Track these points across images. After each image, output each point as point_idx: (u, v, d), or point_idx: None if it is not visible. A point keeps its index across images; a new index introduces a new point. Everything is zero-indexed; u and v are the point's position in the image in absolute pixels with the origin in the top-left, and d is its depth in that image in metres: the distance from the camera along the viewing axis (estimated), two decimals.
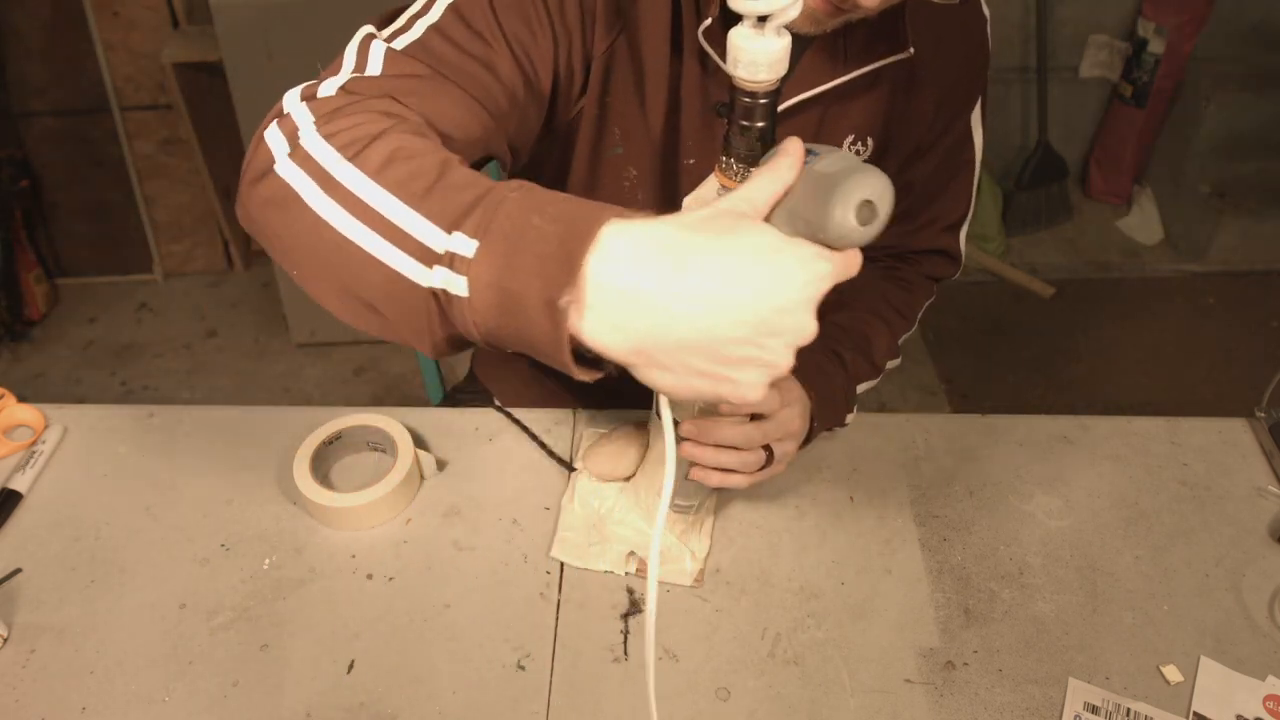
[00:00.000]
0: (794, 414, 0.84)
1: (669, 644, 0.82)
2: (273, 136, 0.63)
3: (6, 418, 0.99)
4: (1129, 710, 0.78)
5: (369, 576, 0.86)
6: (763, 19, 0.59)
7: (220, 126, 2.44)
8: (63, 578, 0.86)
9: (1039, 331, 2.45)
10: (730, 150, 0.65)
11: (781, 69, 0.61)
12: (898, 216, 0.96)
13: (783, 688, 0.79)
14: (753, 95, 0.62)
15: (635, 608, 0.84)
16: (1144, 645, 0.83)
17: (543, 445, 0.97)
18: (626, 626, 0.83)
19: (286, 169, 0.59)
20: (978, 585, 0.87)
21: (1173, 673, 0.80)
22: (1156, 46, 2.53)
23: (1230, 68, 2.61)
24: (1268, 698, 0.79)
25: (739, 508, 0.92)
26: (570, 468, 0.95)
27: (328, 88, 0.66)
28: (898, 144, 0.94)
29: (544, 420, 1.00)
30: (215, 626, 0.82)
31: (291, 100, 0.66)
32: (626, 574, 0.87)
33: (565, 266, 0.48)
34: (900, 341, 1.03)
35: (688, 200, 0.68)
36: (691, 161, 0.85)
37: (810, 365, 0.89)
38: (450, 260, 0.51)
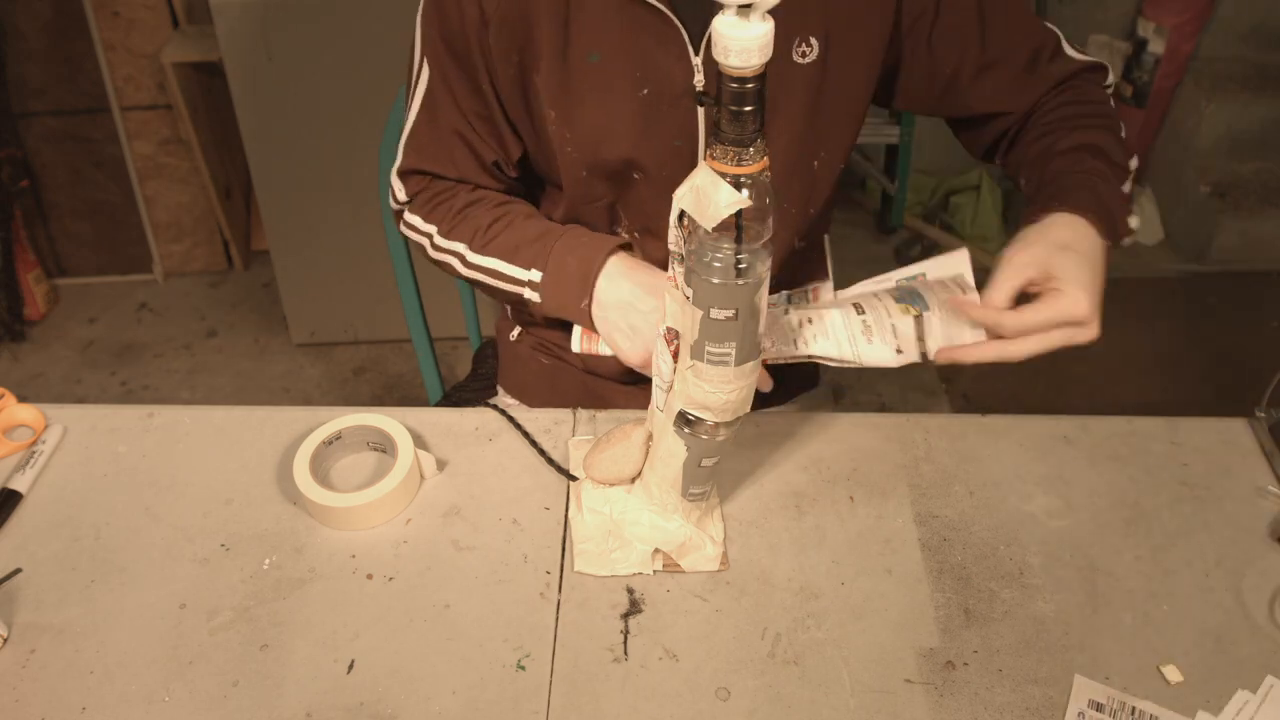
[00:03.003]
0: (1077, 297, 0.83)
1: (669, 644, 0.82)
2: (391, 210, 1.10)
3: (6, 418, 0.99)
4: (1134, 709, 0.78)
5: (369, 576, 0.86)
6: (745, 6, 0.59)
7: (220, 126, 2.45)
8: (63, 578, 0.86)
9: None
10: (721, 137, 0.65)
11: (770, 51, 0.61)
12: (984, 71, 1.02)
13: (783, 688, 0.79)
14: (742, 81, 0.62)
15: (635, 607, 0.84)
16: (1144, 645, 0.83)
17: (536, 445, 0.97)
18: (626, 626, 0.83)
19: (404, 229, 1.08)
20: (978, 585, 0.87)
21: (1173, 673, 0.80)
22: (1156, 46, 2.53)
23: (1230, 68, 2.61)
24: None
25: (739, 507, 0.92)
26: (568, 475, 0.94)
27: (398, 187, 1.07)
28: (868, 35, 0.93)
29: (543, 420, 1.00)
30: (215, 626, 0.82)
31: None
32: (655, 571, 0.87)
33: (583, 288, 0.94)
34: (1127, 147, 0.97)
35: (679, 192, 0.68)
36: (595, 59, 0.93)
37: (1070, 190, 0.90)
38: (530, 285, 0.97)
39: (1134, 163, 0.98)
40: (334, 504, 0.88)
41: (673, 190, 0.79)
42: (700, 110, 0.93)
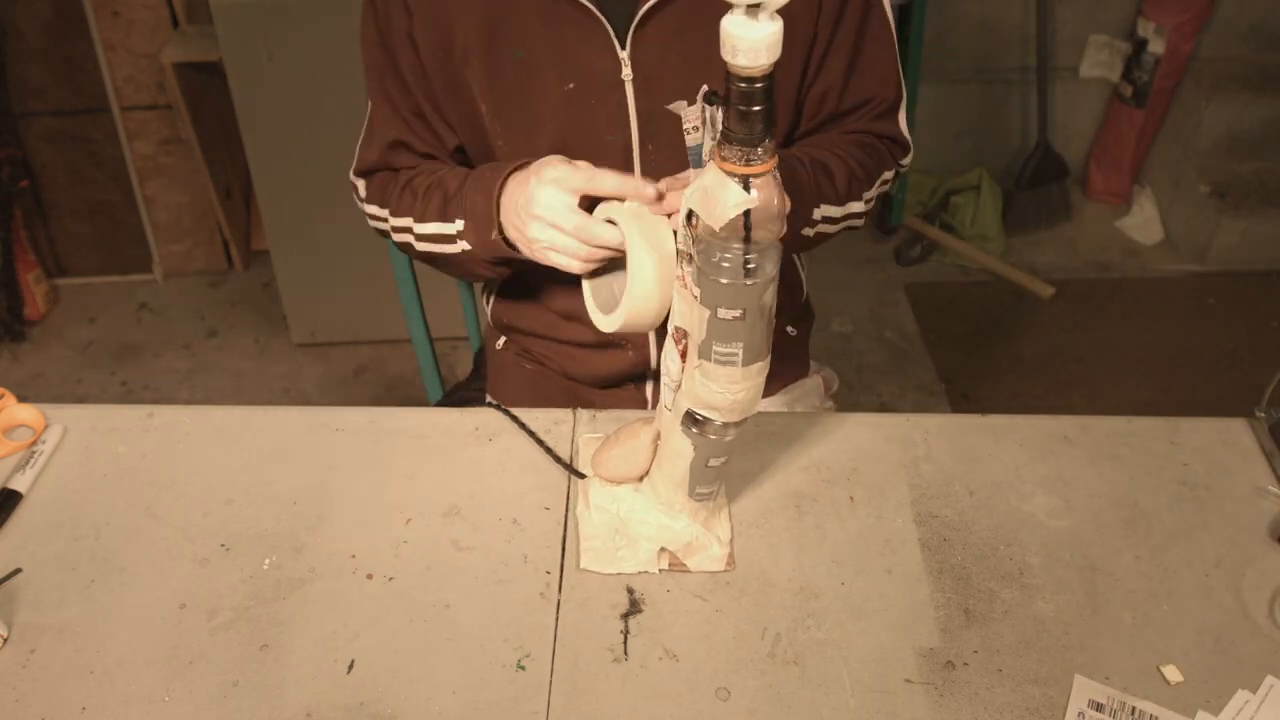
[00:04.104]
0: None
1: (669, 644, 0.82)
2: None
3: (6, 418, 0.99)
4: (1134, 709, 0.78)
5: (369, 576, 0.86)
6: (754, 6, 0.59)
7: (220, 126, 2.44)
8: (63, 578, 0.86)
9: (1039, 331, 2.45)
10: (730, 137, 0.65)
11: (779, 50, 0.61)
12: (826, 119, 1.04)
13: (783, 688, 0.79)
14: (751, 80, 0.62)
15: (635, 607, 0.84)
16: (1144, 645, 0.83)
17: (543, 445, 0.97)
18: (626, 626, 0.83)
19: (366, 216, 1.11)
20: (978, 585, 0.87)
21: (1173, 673, 0.80)
22: (1156, 46, 2.53)
23: (1230, 68, 2.61)
24: None
25: (740, 507, 0.92)
26: (576, 473, 0.94)
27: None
28: (789, 45, 0.95)
29: (544, 420, 1.00)
30: (215, 626, 0.82)
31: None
32: (661, 571, 0.87)
33: (489, 220, 0.92)
34: (865, 198, 1.02)
35: (687, 191, 0.69)
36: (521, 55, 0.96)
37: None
38: (459, 235, 0.97)
39: (855, 206, 1.01)
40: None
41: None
42: (631, 103, 0.95)
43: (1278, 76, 2.58)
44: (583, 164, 0.88)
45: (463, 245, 0.96)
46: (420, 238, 1.00)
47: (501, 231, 0.92)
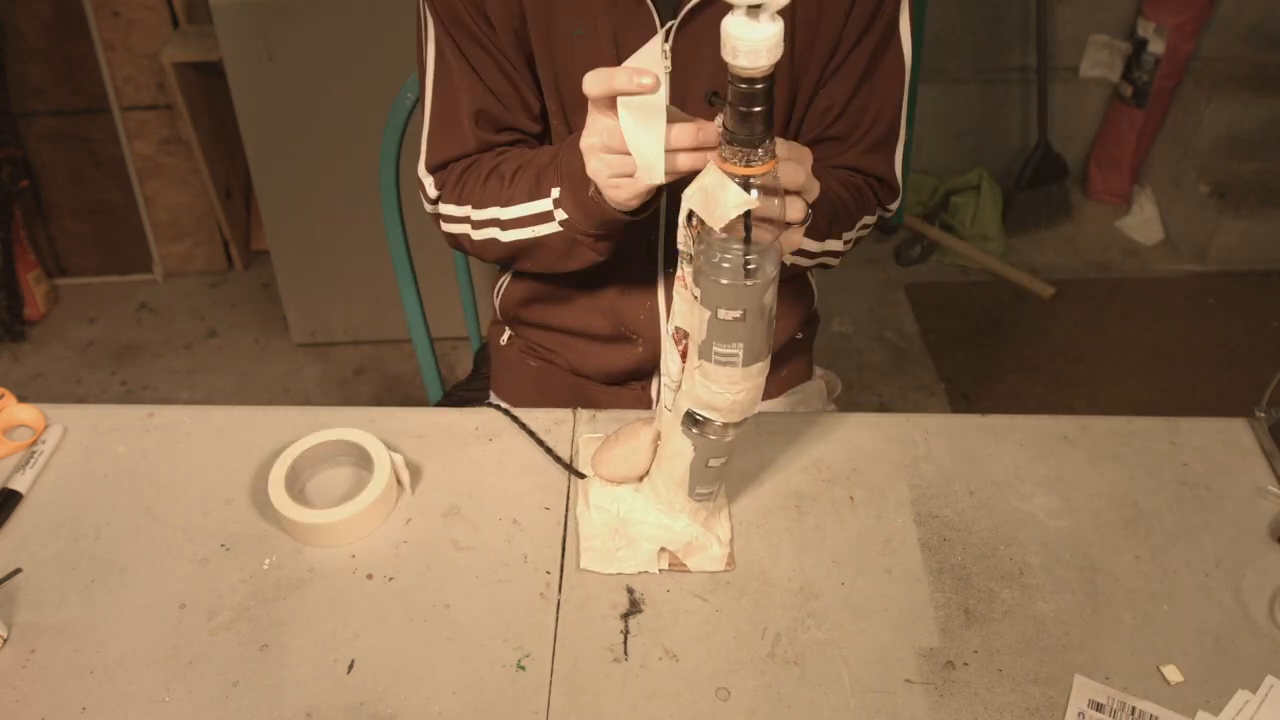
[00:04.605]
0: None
1: (669, 644, 0.82)
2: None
3: (6, 418, 0.99)
4: (1134, 709, 0.78)
5: (369, 576, 0.86)
6: (755, 7, 0.59)
7: (220, 126, 2.44)
8: (63, 578, 0.86)
9: (1039, 331, 2.45)
10: (731, 137, 0.65)
11: (779, 51, 0.61)
12: (822, 140, 1.03)
13: (783, 688, 0.79)
14: (751, 81, 0.62)
15: (635, 607, 0.84)
16: (1144, 645, 0.83)
17: (543, 444, 0.97)
18: (626, 626, 0.83)
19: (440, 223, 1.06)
20: (978, 585, 0.87)
21: (1173, 673, 0.80)
22: (1156, 46, 2.53)
23: (1230, 68, 2.61)
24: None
25: (740, 507, 0.92)
26: (576, 473, 0.94)
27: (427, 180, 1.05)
28: (806, 63, 0.95)
29: (544, 420, 1.00)
30: (215, 626, 0.82)
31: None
32: (661, 571, 0.87)
33: (584, 178, 0.86)
34: (845, 239, 1.01)
35: (687, 192, 0.69)
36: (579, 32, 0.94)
37: None
38: (556, 205, 0.91)
39: (834, 245, 1.00)
40: (307, 520, 0.87)
41: None
42: (664, 94, 0.94)
43: (1278, 76, 2.58)
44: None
45: (560, 216, 0.91)
46: (509, 224, 0.95)
47: (598, 191, 0.87)
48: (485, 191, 0.97)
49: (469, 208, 0.99)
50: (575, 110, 0.97)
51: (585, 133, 0.84)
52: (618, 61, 0.91)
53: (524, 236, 0.95)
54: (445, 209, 1.02)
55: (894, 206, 1.09)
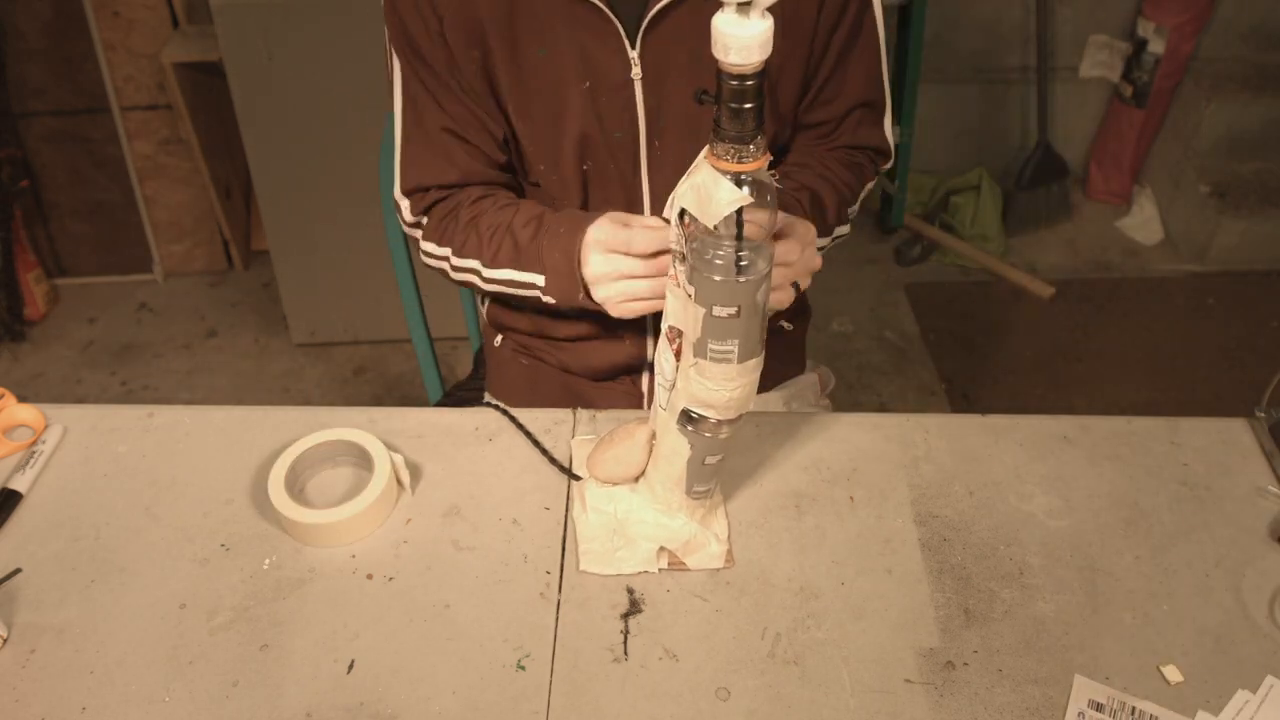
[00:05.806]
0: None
1: (669, 644, 0.82)
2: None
3: (6, 418, 0.99)
4: (1134, 709, 0.78)
5: (369, 576, 0.86)
6: (745, 4, 0.59)
7: (220, 126, 2.44)
8: (63, 578, 0.86)
9: (1039, 331, 2.45)
10: (721, 134, 0.65)
11: (770, 47, 0.61)
12: (816, 123, 1.07)
13: (783, 688, 0.79)
14: (742, 78, 0.62)
15: (635, 607, 0.84)
16: (1144, 645, 0.83)
17: (539, 446, 0.97)
18: (626, 626, 0.83)
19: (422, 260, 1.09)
20: (978, 585, 0.87)
21: (1173, 673, 0.80)
22: (1156, 46, 2.53)
23: (1230, 68, 2.61)
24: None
25: (740, 507, 0.92)
26: (571, 475, 0.94)
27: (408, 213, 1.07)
28: (791, 49, 0.97)
29: (543, 420, 1.00)
30: (215, 626, 0.82)
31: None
32: (660, 570, 0.87)
33: (574, 283, 0.93)
34: (849, 217, 1.06)
35: (679, 189, 0.69)
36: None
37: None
38: (540, 289, 0.96)
39: (841, 230, 1.06)
40: (307, 520, 0.87)
41: (620, 187, 0.88)
42: (640, 101, 0.96)
43: (1278, 76, 2.58)
44: (627, 219, 0.90)
45: (547, 300, 0.96)
46: (490, 281, 1.00)
47: (588, 293, 0.93)
48: (466, 243, 1.01)
49: (449, 250, 1.03)
50: (542, 130, 0.99)
51: (598, 269, 0.90)
52: (588, 78, 0.95)
53: (507, 292, 1.00)
54: (426, 246, 1.05)
55: (886, 166, 1.12)
